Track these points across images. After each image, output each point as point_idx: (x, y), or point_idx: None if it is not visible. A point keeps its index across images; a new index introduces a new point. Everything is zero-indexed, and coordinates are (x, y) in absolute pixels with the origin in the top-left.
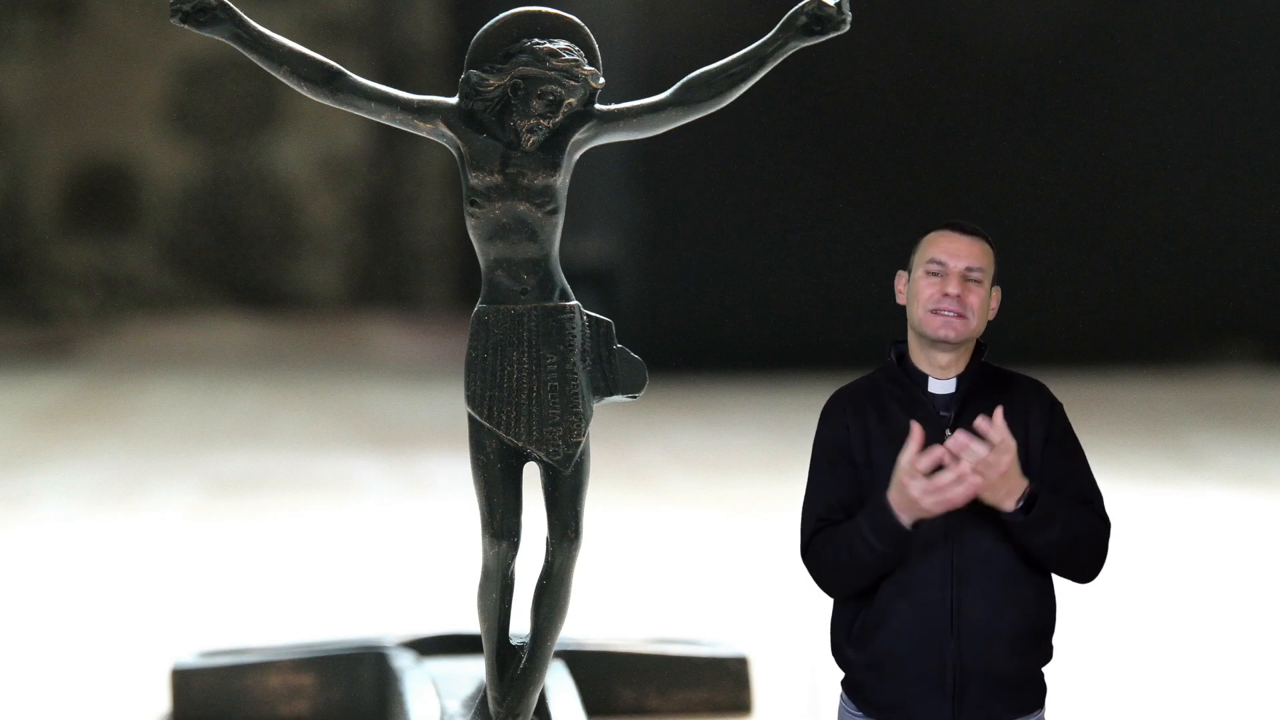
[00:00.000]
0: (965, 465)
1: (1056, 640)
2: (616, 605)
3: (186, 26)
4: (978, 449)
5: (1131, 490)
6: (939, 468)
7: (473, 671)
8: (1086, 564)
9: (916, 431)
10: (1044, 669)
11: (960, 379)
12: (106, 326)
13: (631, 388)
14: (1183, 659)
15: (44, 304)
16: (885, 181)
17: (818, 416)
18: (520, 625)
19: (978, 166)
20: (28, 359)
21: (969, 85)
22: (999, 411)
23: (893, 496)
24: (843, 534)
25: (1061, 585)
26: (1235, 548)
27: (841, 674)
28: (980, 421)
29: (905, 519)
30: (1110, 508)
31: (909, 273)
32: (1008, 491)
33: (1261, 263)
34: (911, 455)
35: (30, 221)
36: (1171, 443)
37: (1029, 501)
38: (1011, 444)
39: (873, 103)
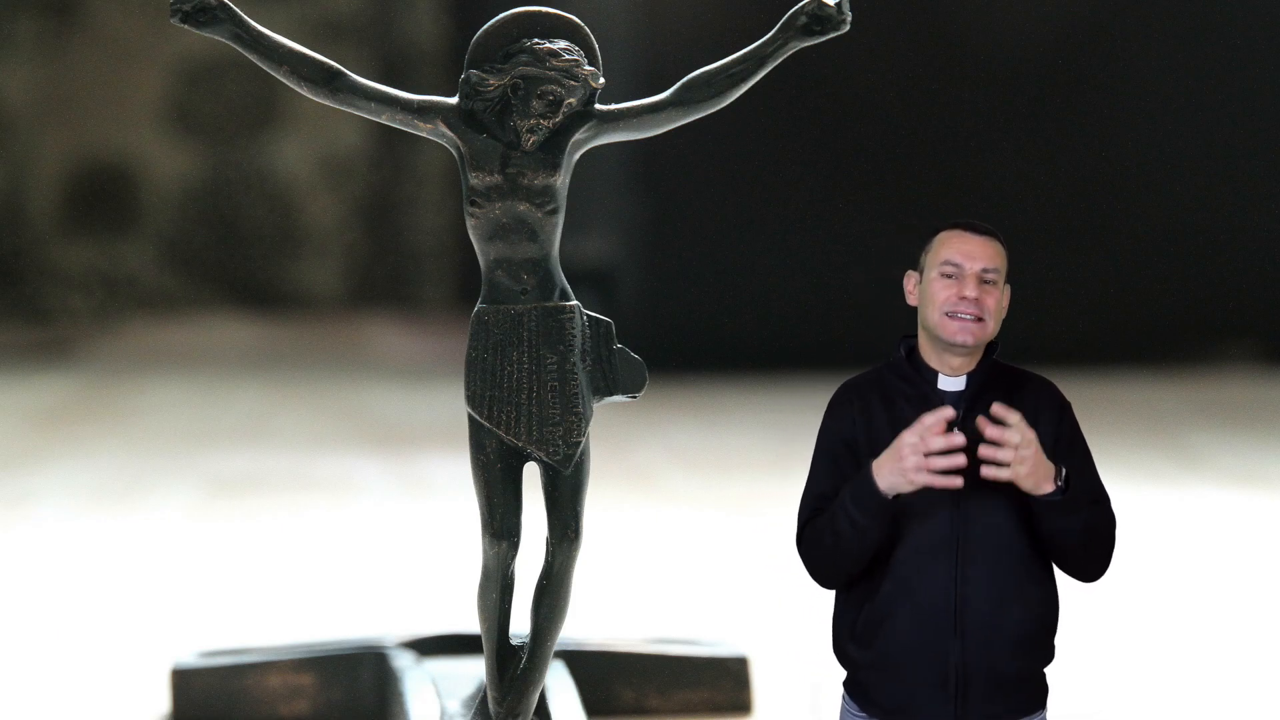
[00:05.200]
0: (960, 439)
1: (1058, 640)
2: (616, 605)
3: (186, 26)
4: (1011, 436)
5: (1131, 490)
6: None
7: (473, 671)
8: (1101, 556)
9: (948, 412)
10: (1046, 669)
11: (970, 377)
12: (106, 326)
13: (631, 388)
14: (1183, 659)
15: (44, 304)
16: (885, 181)
17: (818, 416)
18: (520, 625)
19: (978, 166)
20: (28, 359)
21: (969, 85)
22: (1001, 407)
23: (879, 461)
24: (827, 512)
25: (1064, 584)
26: (1235, 548)
27: (844, 673)
28: (998, 409)
29: (884, 486)
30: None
31: (920, 274)
32: (1045, 474)
33: (1261, 263)
34: (930, 424)
35: (30, 221)
36: (1171, 443)
37: (1066, 481)
38: (1031, 433)
39: (873, 103)
